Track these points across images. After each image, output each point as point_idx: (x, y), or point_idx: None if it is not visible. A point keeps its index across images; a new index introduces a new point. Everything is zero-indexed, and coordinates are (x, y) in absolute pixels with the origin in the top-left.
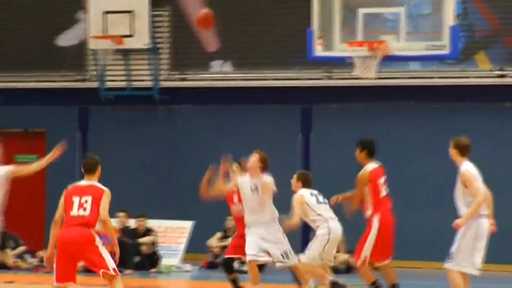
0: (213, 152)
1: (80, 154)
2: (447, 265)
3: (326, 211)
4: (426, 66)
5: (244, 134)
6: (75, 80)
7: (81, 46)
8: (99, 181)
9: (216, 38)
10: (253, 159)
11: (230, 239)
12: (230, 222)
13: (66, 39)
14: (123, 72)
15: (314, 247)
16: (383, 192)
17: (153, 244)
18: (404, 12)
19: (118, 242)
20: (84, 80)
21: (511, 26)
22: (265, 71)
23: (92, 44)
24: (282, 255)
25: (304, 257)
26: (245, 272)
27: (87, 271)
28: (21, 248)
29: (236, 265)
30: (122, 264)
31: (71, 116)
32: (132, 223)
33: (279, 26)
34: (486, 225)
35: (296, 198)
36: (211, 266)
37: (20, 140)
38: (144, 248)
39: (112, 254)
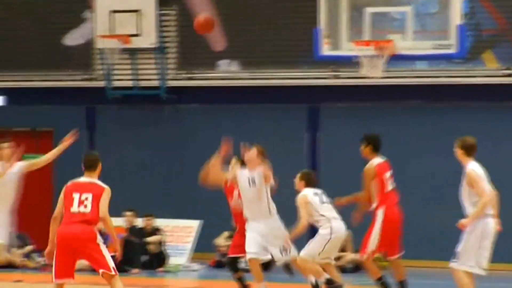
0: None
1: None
2: (453, 264)
3: (329, 210)
4: (433, 65)
5: (251, 133)
6: (82, 80)
7: (88, 46)
8: (100, 178)
9: (223, 38)
10: (252, 152)
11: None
12: None
13: (73, 39)
14: (130, 72)
15: (313, 245)
16: (389, 186)
17: (160, 243)
18: (411, 11)
19: (126, 241)
20: (91, 79)
21: None
22: (272, 70)
23: (99, 44)
24: (281, 252)
25: (302, 253)
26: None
27: (86, 270)
28: (29, 247)
29: (243, 264)
30: (130, 263)
31: (78, 115)
32: (139, 222)
33: (286, 25)
34: (492, 224)
35: (300, 198)
36: (219, 265)
37: (28, 139)
38: (151, 247)
39: (114, 252)
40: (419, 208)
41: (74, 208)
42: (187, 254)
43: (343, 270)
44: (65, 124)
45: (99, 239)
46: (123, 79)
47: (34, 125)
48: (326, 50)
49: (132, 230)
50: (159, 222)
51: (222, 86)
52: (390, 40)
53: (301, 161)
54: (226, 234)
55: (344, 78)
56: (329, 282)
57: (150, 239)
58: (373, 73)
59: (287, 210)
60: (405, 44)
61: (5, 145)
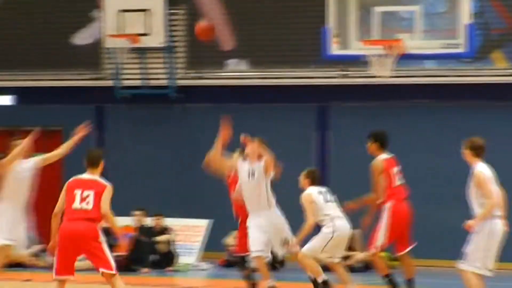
0: (229, 150)
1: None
2: (461, 265)
3: (333, 209)
4: (442, 64)
5: (260, 132)
6: (91, 79)
7: (97, 45)
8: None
9: (231, 37)
10: (253, 145)
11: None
12: None
13: (82, 38)
14: (138, 71)
15: (315, 242)
16: (397, 181)
17: (170, 242)
18: (420, 11)
19: (135, 240)
20: (100, 79)
21: None
22: (281, 69)
23: (108, 43)
24: (282, 244)
25: (304, 249)
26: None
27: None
28: (38, 246)
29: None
30: (139, 262)
31: (87, 114)
32: (148, 221)
33: (295, 24)
34: (499, 226)
35: (304, 197)
36: (228, 264)
37: (37, 138)
38: (160, 247)
39: (124, 252)
40: (427, 207)
41: (76, 205)
42: (196, 253)
43: (352, 269)
44: (74, 124)
45: (102, 238)
46: (132, 79)
47: (43, 125)
48: (335, 49)
49: (142, 229)
50: (168, 221)
51: (230, 86)
52: (399, 39)
53: (310, 160)
54: (235, 233)
55: (353, 78)
56: (325, 284)
57: (159, 238)
58: (382, 72)
59: (295, 209)
60: (413, 43)
61: (18, 141)
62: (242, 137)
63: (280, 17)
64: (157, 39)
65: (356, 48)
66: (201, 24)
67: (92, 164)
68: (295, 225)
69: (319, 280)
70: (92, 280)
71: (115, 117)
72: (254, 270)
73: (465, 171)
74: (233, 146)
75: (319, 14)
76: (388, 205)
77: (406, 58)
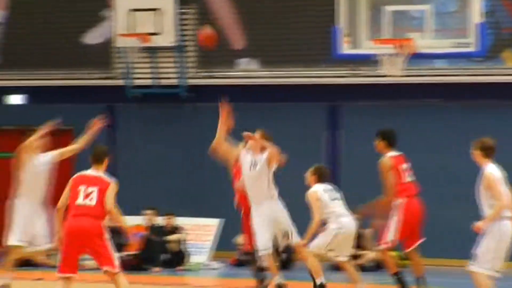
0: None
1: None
2: (472, 267)
3: (339, 207)
4: (453, 64)
5: (270, 132)
6: (102, 78)
7: (108, 44)
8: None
9: (242, 36)
10: (255, 137)
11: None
12: None
13: (92, 37)
14: (149, 70)
15: (320, 239)
16: (407, 177)
17: (181, 241)
18: (431, 10)
19: (146, 239)
20: (110, 78)
21: None
22: (291, 69)
23: (119, 42)
24: (283, 236)
25: (310, 245)
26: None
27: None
28: (49, 245)
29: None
30: (150, 261)
31: (98, 114)
32: (160, 220)
33: (305, 23)
34: (508, 227)
35: (310, 195)
36: (239, 263)
37: (50, 134)
38: (171, 246)
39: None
40: (437, 206)
41: (80, 201)
42: (207, 252)
43: (363, 268)
44: (85, 123)
45: (106, 235)
46: (142, 78)
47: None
48: (345, 48)
49: (153, 228)
50: (180, 221)
51: (241, 85)
52: (409, 38)
53: (320, 160)
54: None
55: (363, 77)
56: (320, 287)
57: (170, 237)
58: (393, 71)
59: (307, 208)
60: (424, 42)
61: (34, 136)
62: (244, 134)
63: (290, 16)
64: (167, 38)
65: (367, 47)
66: (204, 31)
67: (97, 160)
68: (306, 224)
69: (317, 281)
70: (100, 279)
71: (126, 117)
72: (263, 268)
73: (475, 170)
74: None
75: (329, 13)
76: (400, 202)
77: (416, 57)
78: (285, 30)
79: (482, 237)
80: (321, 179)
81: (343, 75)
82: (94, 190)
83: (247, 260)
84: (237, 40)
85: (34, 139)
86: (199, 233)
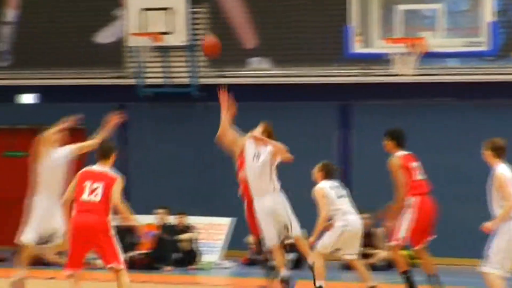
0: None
1: (119, 151)
2: (484, 268)
3: (345, 204)
4: (465, 63)
5: (282, 131)
6: (114, 77)
7: (119, 44)
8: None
9: (254, 35)
10: (258, 129)
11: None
12: None
13: (104, 37)
14: (161, 70)
15: (326, 238)
16: (418, 175)
17: (192, 240)
18: (442, 9)
19: (158, 238)
20: (122, 77)
21: None
22: (303, 68)
23: (130, 41)
24: (285, 228)
25: (317, 245)
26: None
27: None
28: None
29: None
30: (162, 260)
31: (109, 113)
32: (171, 219)
33: (317, 23)
34: None
35: (316, 191)
36: (251, 263)
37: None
38: (183, 245)
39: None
40: (448, 205)
41: (85, 196)
42: (219, 251)
43: (375, 268)
44: (96, 122)
45: (112, 232)
46: (154, 77)
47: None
48: (357, 47)
49: (164, 227)
50: (191, 220)
51: (253, 84)
52: (421, 37)
53: (332, 159)
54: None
55: (375, 76)
56: None
57: (182, 236)
58: (405, 70)
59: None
60: (436, 41)
61: (53, 129)
62: (252, 136)
63: (302, 15)
64: (179, 37)
65: (379, 46)
66: (208, 40)
67: (103, 156)
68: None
69: (317, 283)
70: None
71: (138, 116)
72: (274, 267)
73: (487, 170)
74: None
75: (341, 13)
76: (413, 200)
77: (428, 56)
78: (296, 29)
79: (493, 237)
80: (328, 175)
81: (355, 74)
82: (99, 186)
83: (258, 259)
84: (249, 39)
85: (52, 133)
86: (211, 232)
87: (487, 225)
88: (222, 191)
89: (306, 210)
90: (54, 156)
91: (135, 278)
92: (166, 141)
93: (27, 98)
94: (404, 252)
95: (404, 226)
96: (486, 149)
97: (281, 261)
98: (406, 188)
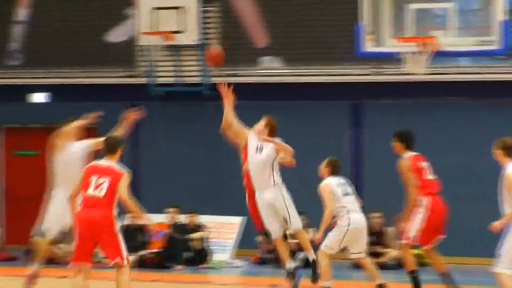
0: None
1: (129, 150)
2: (496, 268)
3: (350, 203)
4: (476, 62)
5: (293, 130)
6: (125, 77)
7: (131, 43)
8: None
9: (265, 34)
10: (260, 123)
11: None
12: None
13: (115, 36)
14: (172, 68)
15: (331, 238)
16: (428, 175)
17: (203, 239)
18: (454, 8)
19: (169, 237)
20: (133, 76)
21: None
22: (315, 67)
23: (142, 40)
24: (284, 221)
25: (322, 246)
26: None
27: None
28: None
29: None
30: (173, 259)
31: (120, 112)
32: (182, 218)
33: (328, 21)
34: None
35: (322, 187)
36: (262, 261)
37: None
38: (194, 244)
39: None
40: (459, 204)
41: (90, 191)
42: (230, 250)
43: (386, 267)
44: (108, 121)
45: (117, 227)
46: (165, 76)
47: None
48: (369, 47)
49: (175, 226)
50: (202, 219)
51: (264, 83)
52: (432, 36)
53: (343, 158)
54: None
55: (386, 75)
56: None
57: (193, 235)
58: (416, 69)
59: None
60: (447, 40)
61: (72, 125)
62: (262, 138)
63: (313, 14)
64: (190, 36)
65: (390, 45)
66: (212, 51)
67: (110, 151)
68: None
69: (324, 284)
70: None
71: (149, 115)
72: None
73: (498, 169)
74: None
75: (353, 12)
76: (425, 200)
77: (440, 55)
78: (308, 28)
79: (504, 237)
80: (334, 171)
81: (367, 73)
82: (105, 181)
83: (270, 258)
84: (260, 38)
85: (71, 128)
86: (222, 231)
87: (495, 224)
88: (233, 190)
89: (319, 209)
90: (70, 149)
91: (146, 277)
92: (177, 140)
93: (39, 98)
94: (415, 251)
95: (415, 225)
96: (497, 148)
97: (285, 253)
98: (417, 189)
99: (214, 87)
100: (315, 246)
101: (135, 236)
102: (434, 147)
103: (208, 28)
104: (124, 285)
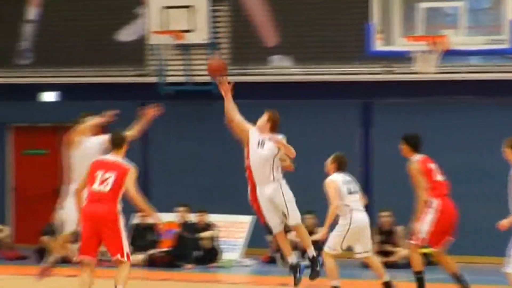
0: None
1: (140, 149)
2: (507, 269)
3: (354, 201)
4: (486, 61)
5: (303, 128)
6: (135, 75)
7: (141, 42)
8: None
9: (275, 33)
10: (263, 118)
11: (290, 234)
12: None
13: (126, 35)
14: (182, 67)
15: (333, 238)
16: (437, 177)
17: (213, 238)
18: (464, 7)
19: (179, 236)
20: (143, 75)
21: None
22: (325, 66)
23: (152, 39)
24: (283, 216)
25: (325, 247)
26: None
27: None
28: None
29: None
30: (182, 258)
31: (131, 111)
32: (192, 217)
33: (338, 20)
34: None
35: (328, 183)
36: (271, 260)
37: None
38: (204, 243)
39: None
40: (470, 203)
41: (95, 186)
42: (239, 249)
43: (395, 266)
44: (118, 120)
45: (120, 223)
46: (175, 75)
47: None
48: (379, 45)
49: (185, 225)
50: (212, 218)
51: (274, 82)
52: (443, 35)
53: (353, 157)
54: None
55: (397, 74)
56: None
57: (203, 234)
58: (426, 68)
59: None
60: (458, 39)
61: (90, 122)
62: (272, 138)
63: (324, 13)
64: (200, 35)
65: (400, 44)
66: (213, 61)
67: (116, 146)
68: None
69: (331, 283)
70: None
71: (159, 114)
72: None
73: (508, 168)
74: None
75: (363, 10)
76: (435, 202)
77: (450, 54)
78: (318, 27)
79: None
80: (340, 167)
81: (377, 72)
82: (111, 176)
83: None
84: (270, 37)
85: (89, 125)
86: (231, 230)
87: (503, 222)
88: (243, 189)
89: (326, 209)
90: (86, 144)
91: (155, 276)
92: (187, 139)
93: (49, 96)
94: (425, 250)
95: (425, 226)
96: (506, 147)
97: (287, 248)
98: (427, 190)
99: None
100: (321, 244)
101: (145, 235)
102: (444, 145)
103: (218, 27)
104: (121, 280)
